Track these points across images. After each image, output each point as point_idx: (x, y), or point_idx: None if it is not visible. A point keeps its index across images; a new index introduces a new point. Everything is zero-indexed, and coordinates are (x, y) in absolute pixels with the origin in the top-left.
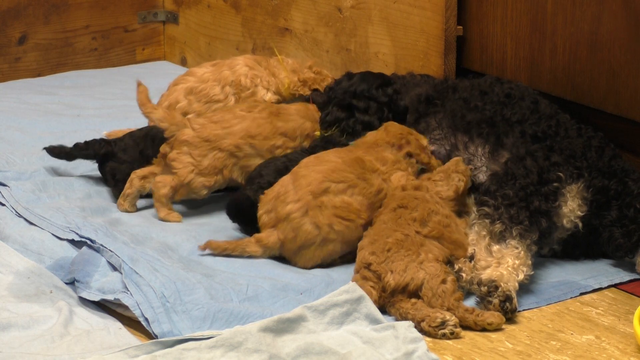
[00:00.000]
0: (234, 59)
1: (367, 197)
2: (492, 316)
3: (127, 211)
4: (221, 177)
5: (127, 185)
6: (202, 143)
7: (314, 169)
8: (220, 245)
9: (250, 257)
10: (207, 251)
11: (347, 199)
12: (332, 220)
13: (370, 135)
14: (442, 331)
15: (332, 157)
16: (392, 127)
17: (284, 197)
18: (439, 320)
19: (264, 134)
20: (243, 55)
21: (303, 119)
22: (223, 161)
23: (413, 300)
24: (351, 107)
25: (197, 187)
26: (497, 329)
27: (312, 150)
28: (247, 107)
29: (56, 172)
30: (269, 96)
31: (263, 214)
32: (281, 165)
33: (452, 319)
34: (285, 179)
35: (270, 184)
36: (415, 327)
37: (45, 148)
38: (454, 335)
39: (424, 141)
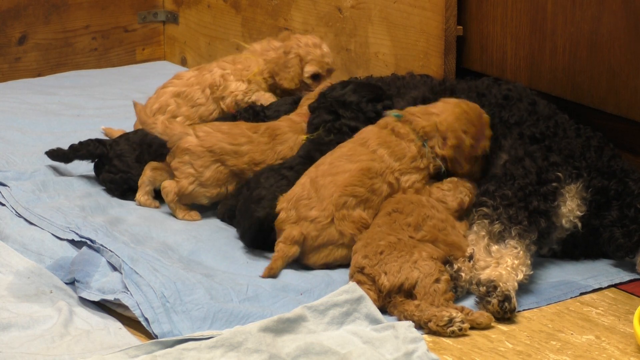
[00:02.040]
0: (212, 63)
1: (374, 208)
2: (482, 316)
3: (142, 203)
4: (224, 190)
5: (142, 176)
6: (205, 153)
7: (332, 181)
8: (278, 266)
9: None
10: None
11: (363, 214)
12: (355, 232)
13: (421, 119)
14: (451, 329)
15: (345, 165)
16: (451, 114)
17: (307, 202)
18: (446, 318)
19: (267, 161)
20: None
21: (296, 133)
22: (226, 176)
23: (416, 302)
24: (338, 113)
25: (199, 197)
26: (486, 328)
27: (308, 157)
28: (251, 126)
29: (56, 172)
30: (244, 87)
31: (282, 212)
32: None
33: (458, 315)
34: (305, 183)
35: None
36: (422, 328)
37: (46, 152)
38: (462, 332)
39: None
